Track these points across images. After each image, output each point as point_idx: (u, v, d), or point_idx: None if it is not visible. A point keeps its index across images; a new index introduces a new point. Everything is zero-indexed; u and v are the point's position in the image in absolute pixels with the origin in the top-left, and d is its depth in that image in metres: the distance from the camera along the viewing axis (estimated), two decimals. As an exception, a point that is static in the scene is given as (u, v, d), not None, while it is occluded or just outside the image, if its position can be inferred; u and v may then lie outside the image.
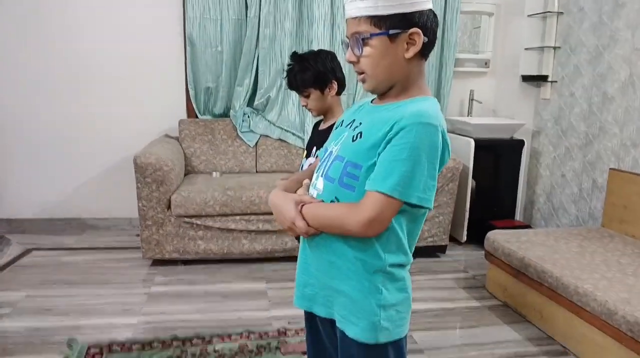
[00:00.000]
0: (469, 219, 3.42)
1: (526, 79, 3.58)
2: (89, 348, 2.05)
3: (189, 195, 2.87)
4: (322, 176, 1.08)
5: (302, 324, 2.23)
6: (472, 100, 3.81)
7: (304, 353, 2.03)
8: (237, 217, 2.95)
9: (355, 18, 1.00)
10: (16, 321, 2.27)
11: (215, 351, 2.05)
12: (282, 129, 3.54)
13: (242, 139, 3.47)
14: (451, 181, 3.16)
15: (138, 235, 3.03)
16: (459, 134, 3.49)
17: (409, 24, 0.98)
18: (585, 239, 2.61)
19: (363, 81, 1.05)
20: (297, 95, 3.49)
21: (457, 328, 2.38)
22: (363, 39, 0.99)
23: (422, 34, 0.99)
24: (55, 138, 3.46)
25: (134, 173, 2.81)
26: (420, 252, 3.04)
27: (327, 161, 1.08)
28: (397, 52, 0.99)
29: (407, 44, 0.99)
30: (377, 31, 0.98)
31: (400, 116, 0.96)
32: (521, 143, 3.51)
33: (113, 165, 3.55)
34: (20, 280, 2.72)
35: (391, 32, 0.98)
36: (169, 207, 2.87)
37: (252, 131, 3.49)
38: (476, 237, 3.36)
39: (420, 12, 0.98)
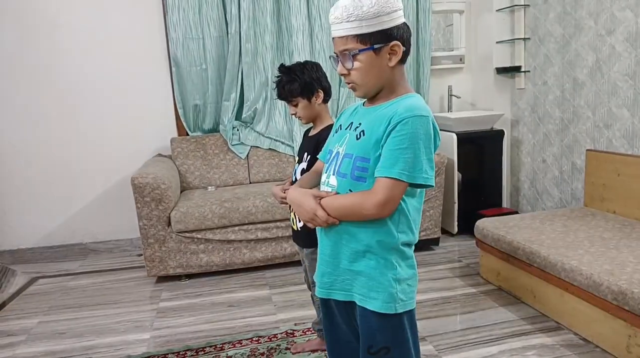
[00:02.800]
0: (459, 210, 3.55)
1: (500, 71, 3.73)
2: (106, 365, 2.14)
3: (187, 211, 2.96)
4: (334, 174, 1.21)
5: (309, 325, 2.35)
6: (451, 95, 3.96)
7: (312, 351, 2.14)
8: (236, 228, 3.05)
9: (342, 37, 1.14)
10: (33, 347, 2.35)
11: (228, 357, 2.15)
12: (271, 138, 3.65)
13: (233, 152, 3.57)
14: (438, 175, 3.29)
15: (140, 255, 3.11)
16: (442, 129, 3.61)
17: (389, 38, 1.13)
18: (569, 219, 2.75)
19: (354, 89, 1.21)
20: (283, 105, 3.64)
21: (457, 314, 2.50)
22: (352, 55, 1.14)
23: (401, 45, 1.14)
24: (50, 165, 3.53)
25: (133, 193, 2.90)
26: (415, 247, 3.18)
27: (336, 160, 1.22)
28: (382, 62, 1.15)
29: (389, 54, 1.15)
30: (364, 47, 1.13)
31: (395, 112, 1.12)
32: (501, 133, 3.65)
33: (110, 187, 3.64)
34: (30, 307, 2.79)
35: (375, 46, 1.13)
36: (169, 224, 2.96)
37: (242, 143, 3.60)
38: (467, 227, 3.49)
39: (397, 27, 1.14)
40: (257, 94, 3.60)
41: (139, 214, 2.92)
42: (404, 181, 1.09)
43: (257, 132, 3.65)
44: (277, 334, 2.33)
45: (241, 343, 2.26)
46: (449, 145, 3.47)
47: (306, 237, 1.85)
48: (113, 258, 3.55)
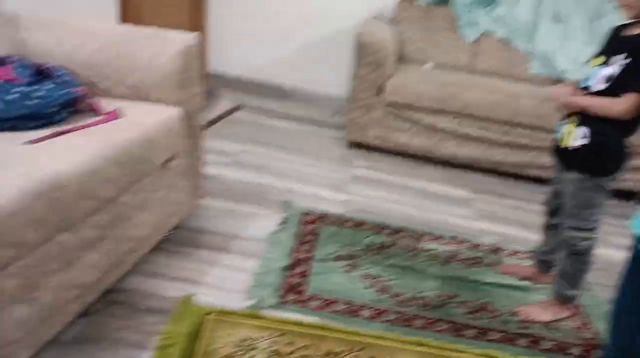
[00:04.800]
0: None
1: None
2: (306, 214, 2.10)
3: (404, 84, 2.70)
4: None
5: (514, 247, 2.07)
6: None
7: (523, 278, 1.88)
8: (450, 117, 2.74)
9: None
10: (240, 171, 2.40)
11: (426, 251, 1.98)
12: (509, 28, 3.11)
13: (461, 32, 3.14)
14: None
15: (334, 115, 3.00)
16: None
17: None
18: None
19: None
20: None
21: None
22: None
23: None
24: (267, 3, 3.44)
25: (354, 50, 2.69)
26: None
27: None
28: None
29: None
30: None
31: None
32: None
33: (323, 37, 3.48)
34: (234, 134, 2.85)
35: None
36: (380, 92, 2.75)
37: (475, 24, 3.13)
38: None
39: None
40: (512, -31, 3.03)
41: (355, 74, 2.73)
42: None
43: (495, 16, 3.12)
44: (480, 244, 2.10)
45: (442, 240, 2.08)
46: None
47: (586, 160, 1.50)
48: (308, 109, 3.48)
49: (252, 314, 1.48)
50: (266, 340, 1.38)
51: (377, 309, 1.60)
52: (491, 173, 2.83)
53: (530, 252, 1.96)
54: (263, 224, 1.98)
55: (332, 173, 2.58)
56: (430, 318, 1.61)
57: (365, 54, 2.66)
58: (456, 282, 1.82)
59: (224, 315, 1.45)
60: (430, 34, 3.16)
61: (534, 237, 1.96)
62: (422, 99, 2.70)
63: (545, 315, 1.69)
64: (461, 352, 1.47)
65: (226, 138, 2.75)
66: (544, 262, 1.84)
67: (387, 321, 1.56)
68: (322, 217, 2.11)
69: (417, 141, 2.82)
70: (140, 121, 1.45)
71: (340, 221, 2.10)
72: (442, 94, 2.69)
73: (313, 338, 1.42)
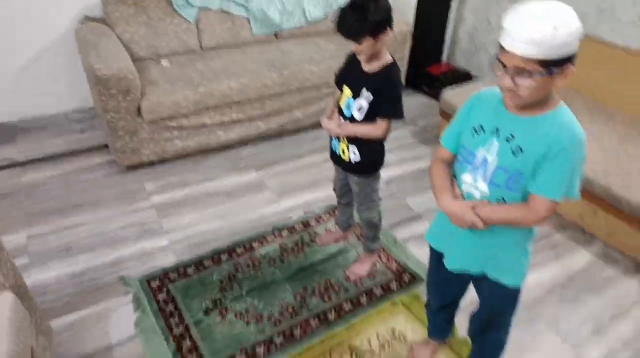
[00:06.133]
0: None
1: None
2: (148, 282, 2.19)
3: (159, 99, 2.72)
4: (484, 181, 1.29)
5: (316, 210, 2.57)
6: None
7: (336, 241, 2.43)
8: (211, 112, 2.92)
9: (523, 57, 1.09)
10: (46, 270, 2.23)
11: (263, 257, 2.34)
12: (220, -4, 3.25)
13: (180, 15, 3.14)
14: (402, 44, 3.35)
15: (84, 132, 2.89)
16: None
17: (567, 62, 1.11)
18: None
19: (512, 100, 1.19)
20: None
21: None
22: (529, 74, 1.11)
23: (573, 69, 1.13)
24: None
25: (95, 85, 2.55)
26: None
27: (485, 168, 1.27)
28: (552, 83, 1.14)
29: (560, 76, 1.13)
30: (543, 71, 1.10)
31: (556, 137, 1.17)
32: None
33: (33, 53, 3.08)
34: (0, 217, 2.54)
35: (554, 70, 1.11)
36: (139, 114, 2.72)
37: (188, 4, 3.16)
38: (411, 82, 3.78)
39: (576, 52, 1.11)
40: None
41: (104, 107, 2.62)
42: (560, 200, 1.22)
43: (201, -13, 3.20)
44: (294, 226, 2.53)
45: (267, 240, 2.44)
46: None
47: (362, 168, 1.96)
48: (53, 138, 3.15)
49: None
50: None
51: (265, 340, 1.95)
52: (261, 141, 3.20)
53: (333, 211, 2.51)
54: (122, 317, 2.02)
55: (134, 215, 2.59)
56: (302, 322, 2.03)
57: (108, 87, 2.55)
58: (299, 275, 2.26)
59: None
60: (152, 28, 3.09)
61: (323, 192, 2.45)
62: (180, 107, 2.79)
63: (365, 268, 2.28)
64: (334, 335, 1.97)
65: (-1, 231, 2.45)
66: (345, 225, 2.40)
67: (280, 346, 1.93)
68: (164, 278, 2.21)
69: (191, 142, 2.95)
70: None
71: (182, 273, 2.25)
72: (196, 96, 2.81)
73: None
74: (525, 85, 1.14)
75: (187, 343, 1.93)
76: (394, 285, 2.22)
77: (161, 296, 2.13)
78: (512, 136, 1.24)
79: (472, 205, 1.30)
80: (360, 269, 2.27)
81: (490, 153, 1.28)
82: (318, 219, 2.59)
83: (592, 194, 2.36)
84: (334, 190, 2.26)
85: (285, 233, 2.49)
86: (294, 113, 3.16)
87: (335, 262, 2.33)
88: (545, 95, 1.19)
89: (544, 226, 2.56)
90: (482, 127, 1.31)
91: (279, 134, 3.26)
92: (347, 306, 2.12)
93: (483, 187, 1.30)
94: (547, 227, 2.57)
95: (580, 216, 2.49)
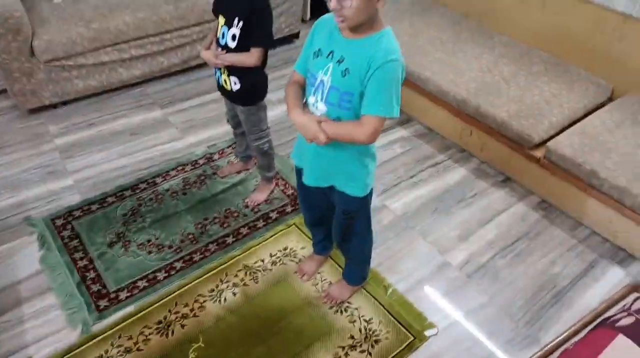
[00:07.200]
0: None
1: None
2: (53, 221, 2.29)
3: (52, 38, 2.68)
4: (322, 101, 1.44)
5: (219, 145, 2.70)
6: None
7: (238, 173, 2.58)
8: (109, 49, 2.90)
9: None
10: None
11: (166, 191, 2.47)
12: None
13: (67, -53, 3.01)
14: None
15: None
16: None
17: None
18: (413, 15, 3.23)
19: (342, 22, 1.33)
20: None
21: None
22: None
23: None
24: None
25: (-23, 27, 2.47)
26: (279, 42, 3.47)
27: (322, 89, 1.43)
28: (373, 3, 1.31)
29: None
30: None
31: (374, 56, 1.33)
32: None
33: None
34: None
35: None
36: (33, 54, 2.68)
37: None
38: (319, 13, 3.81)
39: None
40: None
41: (-7, 49, 2.56)
42: (384, 116, 1.39)
43: None
44: (197, 160, 2.66)
45: (170, 175, 2.56)
46: None
47: (244, 98, 2.08)
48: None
49: (87, 339, 1.86)
50: (113, 349, 1.83)
51: (166, 266, 2.13)
52: (167, 78, 3.23)
53: (232, 146, 2.64)
54: (28, 255, 2.13)
55: (39, 158, 2.63)
56: (202, 248, 2.22)
57: (-9, 27, 2.49)
58: (200, 205, 2.41)
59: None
60: (35, -40, 2.95)
61: (226, 127, 2.54)
62: (76, 45, 2.76)
63: (263, 195, 2.46)
64: (231, 258, 2.17)
65: None
66: (244, 156, 2.54)
67: (180, 270, 2.12)
68: (69, 215, 2.33)
69: (92, 81, 2.95)
70: None
71: (86, 210, 2.36)
72: (90, 32, 2.78)
73: (141, 321, 1.91)
74: (348, 5, 1.29)
75: (90, 274, 2.08)
76: (289, 209, 2.42)
77: (65, 233, 2.24)
78: (342, 58, 1.40)
79: (318, 119, 1.46)
80: (258, 196, 2.45)
81: (326, 74, 1.43)
82: (221, 153, 2.72)
83: (467, 113, 2.59)
84: (227, 121, 2.38)
85: (188, 168, 2.61)
86: (195, 47, 3.17)
87: (235, 191, 2.50)
88: (370, 17, 1.35)
89: (429, 148, 2.80)
90: (320, 50, 1.46)
91: (183, 70, 3.28)
92: (244, 231, 2.31)
93: (322, 107, 1.46)
94: (431, 148, 2.81)
95: (459, 136, 2.74)
